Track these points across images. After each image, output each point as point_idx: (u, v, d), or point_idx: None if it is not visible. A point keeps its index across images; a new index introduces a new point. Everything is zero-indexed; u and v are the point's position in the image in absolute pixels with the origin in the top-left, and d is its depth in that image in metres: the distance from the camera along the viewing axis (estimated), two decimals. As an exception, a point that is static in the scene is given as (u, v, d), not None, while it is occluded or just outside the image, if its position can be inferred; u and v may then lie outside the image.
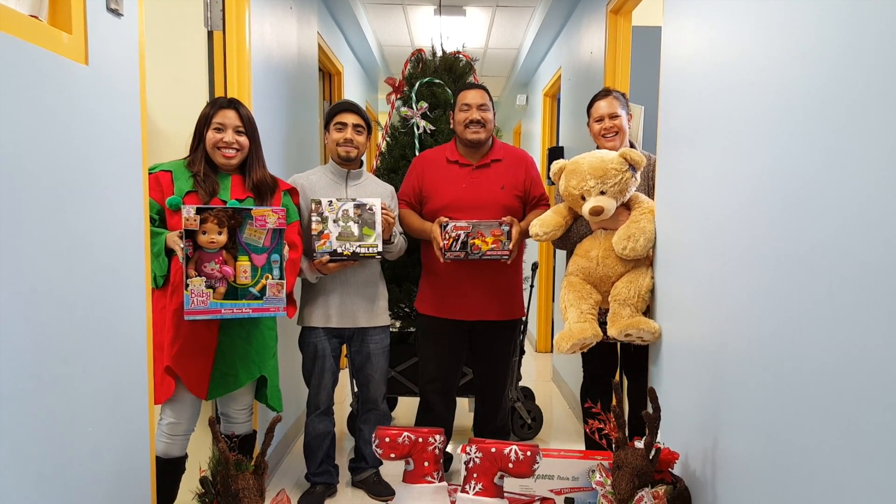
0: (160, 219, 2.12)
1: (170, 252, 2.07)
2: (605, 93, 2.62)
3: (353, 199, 2.51)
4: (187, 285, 1.97)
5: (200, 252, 2.01)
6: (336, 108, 2.70)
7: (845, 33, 1.15)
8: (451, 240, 2.54)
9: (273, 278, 2.09)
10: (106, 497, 1.52)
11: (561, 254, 2.87)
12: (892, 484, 1.00)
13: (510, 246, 2.55)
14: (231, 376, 2.18)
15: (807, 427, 1.25)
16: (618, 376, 2.63)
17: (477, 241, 2.54)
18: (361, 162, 2.76)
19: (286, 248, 2.15)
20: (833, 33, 1.19)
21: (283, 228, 2.09)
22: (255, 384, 2.33)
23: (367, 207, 2.51)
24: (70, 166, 1.36)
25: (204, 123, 2.19)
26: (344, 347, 2.86)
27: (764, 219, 1.43)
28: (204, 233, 1.99)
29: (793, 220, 1.31)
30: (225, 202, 2.16)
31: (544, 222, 2.40)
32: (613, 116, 2.55)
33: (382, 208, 2.53)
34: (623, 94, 2.63)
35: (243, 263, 2.06)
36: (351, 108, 2.69)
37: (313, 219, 2.49)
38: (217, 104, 2.21)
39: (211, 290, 2.00)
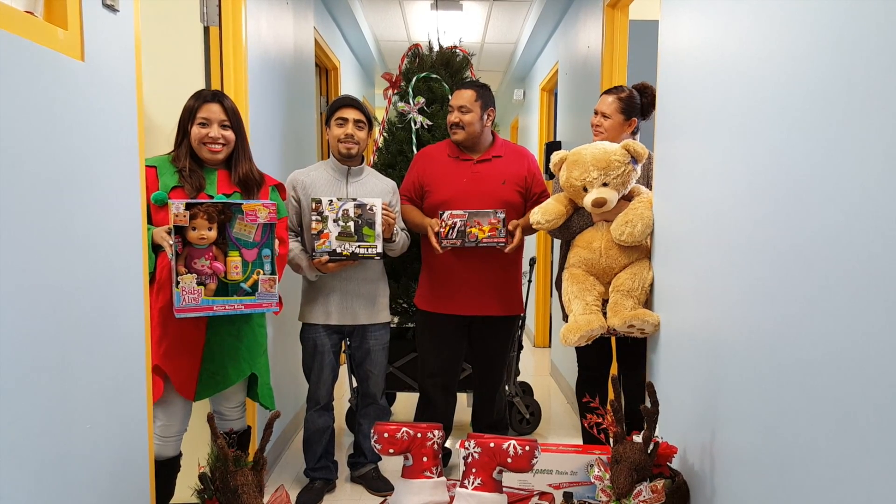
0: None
1: (156, 248, 2.03)
2: (611, 90, 2.61)
3: (354, 199, 2.50)
4: (178, 282, 1.94)
5: (189, 248, 1.98)
6: (337, 104, 2.69)
7: (842, 26, 1.15)
8: (448, 227, 2.55)
9: (264, 273, 2.07)
10: (105, 493, 1.52)
11: (558, 248, 2.88)
12: (889, 476, 1.01)
13: (506, 232, 2.56)
14: (220, 375, 2.16)
15: (805, 420, 1.25)
16: (615, 370, 2.64)
17: (474, 230, 2.55)
18: (362, 158, 2.75)
19: (277, 242, 2.13)
20: (830, 26, 1.19)
21: (274, 223, 2.08)
22: (247, 381, 2.32)
23: (368, 207, 2.50)
24: (67, 162, 1.36)
25: (188, 117, 2.15)
26: (343, 343, 2.86)
27: (761, 211, 1.43)
28: (193, 228, 1.96)
29: (790, 212, 1.31)
30: (212, 197, 2.13)
31: (546, 210, 2.39)
32: (605, 115, 2.56)
33: (383, 208, 2.53)
34: (632, 99, 2.55)
35: (234, 259, 2.04)
36: (351, 103, 2.68)
37: (313, 218, 2.48)
38: (201, 97, 2.16)
39: (202, 287, 1.98)
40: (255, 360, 2.25)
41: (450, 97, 3.00)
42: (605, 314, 2.27)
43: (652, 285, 2.20)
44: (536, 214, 2.41)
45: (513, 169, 2.75)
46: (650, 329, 2.13)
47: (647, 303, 2.22)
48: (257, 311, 2.08)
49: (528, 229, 2.61)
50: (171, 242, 1.94)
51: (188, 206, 1.95)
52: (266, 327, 2.35)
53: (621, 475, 1.73)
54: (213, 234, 2.00)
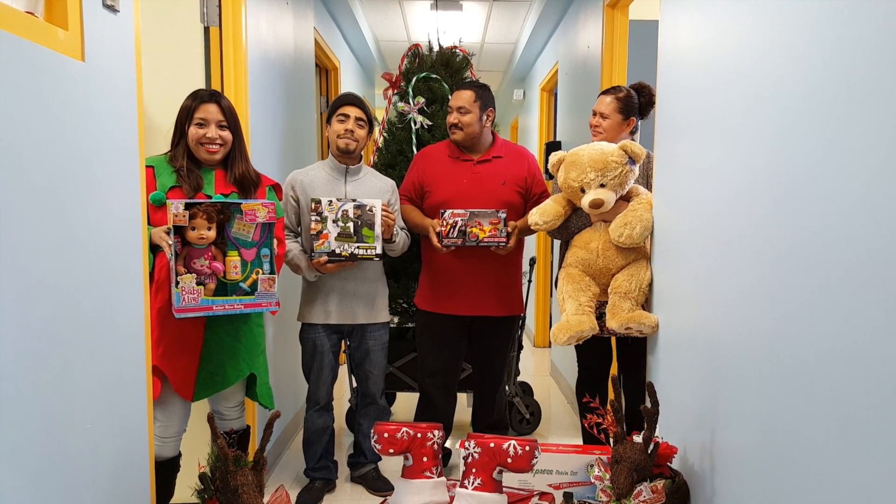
0: None
1: (153, 248, 2.03)
2: (609, 90, 2.61)
3: (354, 200, 2.51)
4: (177, 282, 1.94)
5: (189, 248, 1.98)
6: (339, 101, 2.70)
7: (841, 26, 1.15)
8: (449, 226, 2.56)
9: (263, 273, 2.08)
10: (105, 493, 1.52)
11: (558, 248, 2.89)
12: (889, 475, 1.01)
13: (507, 233, 2.56)
14: (218, 376, 2.16)
15: (805, 419, 1.25)
16: (615, 370, 2.64)
17: (474, 230, 2.56)
18: (360, 157, 2.76)
19: (276, 241, 2.13)
20: (828, 26, 1.19)
21: (272, 222, 2.08)
22: (246, 381, 2.31)
23: (368, 208, 2.50)
24: (67, 162, 1.36)
25: (185, 117, 2.15)
26: (343, 343, 2.86)
27: (761, 210, 1.43)
28: (193, 228, 1.97)
29: (789, 212, 1.31)
30: (209, 197, 2.12)
31: (544, 211, 2.40)
32: (603, 115, 2.56)
33: (383, 209, 2.53)
34: (629, 98, 2.56)
35: (233, 258, 2.04)
36: (354, 101, 2.69)
37: (312, 218, 2.48)
38: (198, 97, 2.16)
39: (201, 287, 1.98)
40: (254, 360, 2.25)
41: (450, 97, 3.00)
42: (602, 316, 2.27)
43: (651, 286, 2.21)
44: (535, 215, 2.41)
45: (513, 170, 2.75)
46: (648, 330, 2.13)
47: (647, 303, 2.22)
48: (257, 310, 2.09)
49: (527, 230, 2.61)
50: (171, 242, 1.94)
51: (187, 206, 1.95)
52: (264, 327, 2.35)
53: (621, 475, 1.73)
54: (212, 233, 2.00)
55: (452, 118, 2.73)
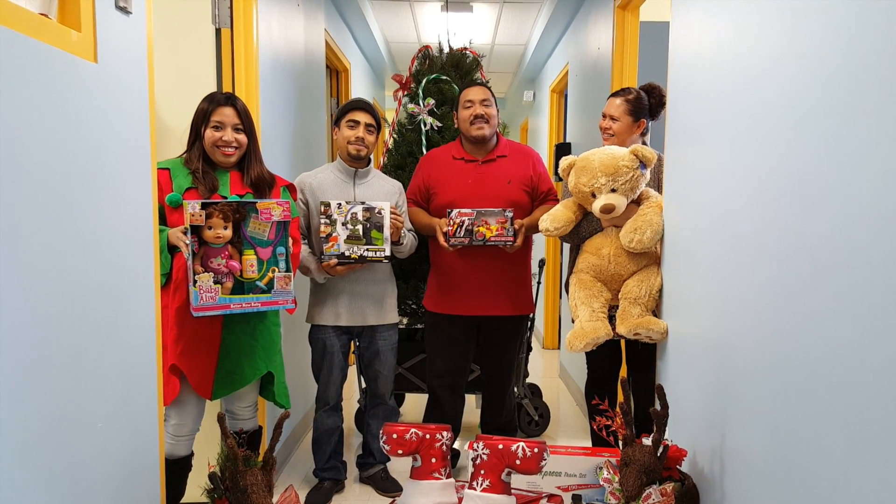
0: (159, 217, 2.11)
1: (171, 249, 2.06)
2: (618, 92, 2.60)
3: (363, 203, 2.52)
4: (195, 281, 1.96)
5: (206, 248, 2.00)
6: (349, 106, 2.71)
7: (852, 28, 1.14)
8: (456, 226, 2.56)
9: (280, 271, 2.09)
10: (115, 493, 1.53)
11: (567, 250, 2.88)
12: (902, 481, 1.00)
13: (514, 231, 2.56)
14: (236, 374, 2.17)
15: (815, 423, 1.24)
16: (623, 372, 2.63)
17: (481, 229, 2.56)
18: (369, 160, 2.77)
19: (291, 240, 2.15)
20: (840, 28, 1.18)
21: (288, 221, 2.09)
22: (260, 381, 2.33)
23: (377, 211, 2.51)
24: (78, 164, 1.37)
25: (201, 120, 2.17)
26: (352, 344, 2.87)
27: (771, 214, 1.42)
28: (209, 228, 1.99)
29: (800, 216, 1.30)
30: (225, 198, 2.14)
31: (555, 217, 2.39)
32: (613, 118, 2.55)
33: (391, 211, 2.54)
34: (639, 100, 2.54)
35: (249, 257, 2.06)
36: (364, 107, 2.70)
37: (322, 221, 2.50)
38: (214, 101, 2.18)
39: (219, 286, 2.00)
40: (272, 359, 2.27)
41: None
42: (612, 319, 2.26)
43: (661, 290, 2.19)
44: (545, 221, 2.40)
45: (518, 168, 2.75)
46: (657, 336, 2.12)
47: (657, 307, 2.21)
48: (274, 308, 2.10)
49: (534, 228, 2.61)
50: (188, 242, 1.96)
51: (204, 206, 1.97)
52: (280, 326, 2.36)
53: (630, 478, 1.73)
54: (228, 233, 2.02)
55: (479, 110, 2.70)
